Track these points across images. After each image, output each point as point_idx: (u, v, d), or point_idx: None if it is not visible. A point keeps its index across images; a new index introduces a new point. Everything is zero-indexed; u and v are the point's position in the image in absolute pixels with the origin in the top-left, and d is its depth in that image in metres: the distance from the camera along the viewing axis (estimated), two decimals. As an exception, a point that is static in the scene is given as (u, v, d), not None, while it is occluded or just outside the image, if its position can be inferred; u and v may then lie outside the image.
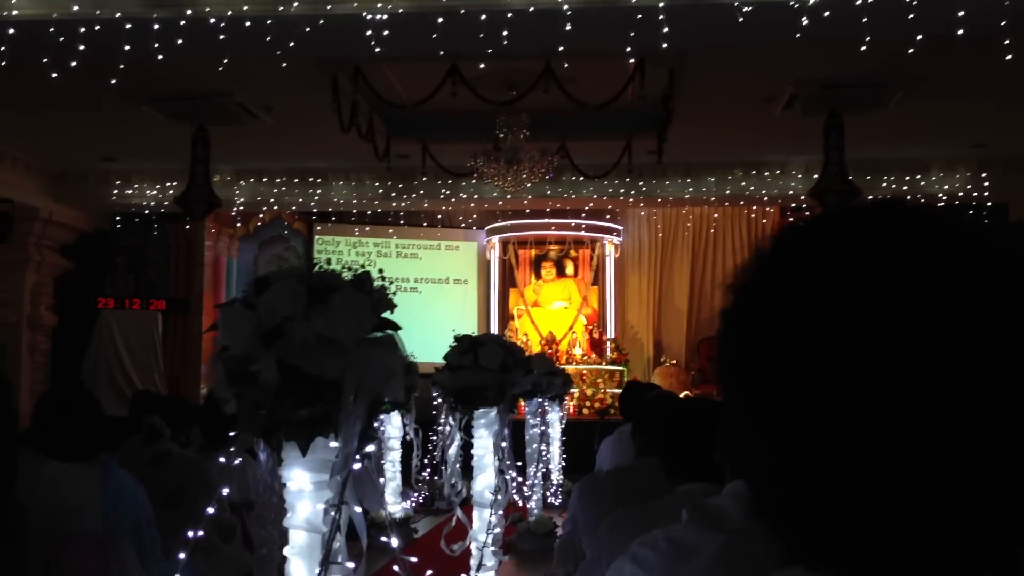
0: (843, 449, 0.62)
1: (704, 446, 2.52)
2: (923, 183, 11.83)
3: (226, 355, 1.84)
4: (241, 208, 13.18)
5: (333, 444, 1.81)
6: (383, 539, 2.27)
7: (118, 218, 13.48)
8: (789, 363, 0.64)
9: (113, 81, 7.77)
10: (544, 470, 7.72)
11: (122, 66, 7.21)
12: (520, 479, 6.22)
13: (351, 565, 1.77)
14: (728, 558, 1.41)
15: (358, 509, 1.80)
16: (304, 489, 1.86)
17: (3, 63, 6.98)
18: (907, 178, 11.80)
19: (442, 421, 9.11)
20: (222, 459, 4.14)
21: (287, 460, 1.87)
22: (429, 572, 2.39)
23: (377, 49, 6.96)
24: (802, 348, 0.63)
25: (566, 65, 7.72)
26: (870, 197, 11.42)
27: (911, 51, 7.07)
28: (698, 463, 2.48)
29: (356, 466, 1.84)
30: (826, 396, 0.62)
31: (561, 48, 7.13)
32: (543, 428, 7.49)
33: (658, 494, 2.58)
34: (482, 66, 7.86)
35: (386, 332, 1.90)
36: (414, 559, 2.16)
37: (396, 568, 2.26)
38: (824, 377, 0.62)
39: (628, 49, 7.25)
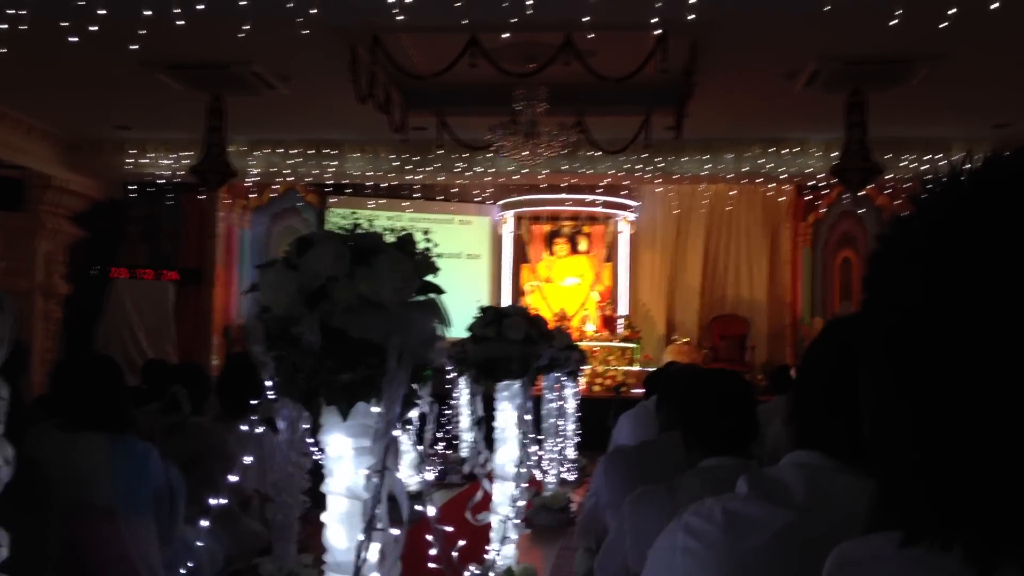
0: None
1: (719, 416, 2.45)
2: (943, 162, 11.72)
3: (267, 316, 1.79)
4: (255, 179, 13.12)
5: (375, 409, 1.77)
6: (418, 507, 2.24)
7: (132, 187, 13.44)
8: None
9: (133, 47, 7.70)
10: (561, 445, 7.70)
11: (142, 32, 7.14)
12: (540, 453, 6.20)
13: (396, 532, 1.73)
14: (796, 536, 1.36)
15: (400, 476, 1.76)
16: (344, 455, 1.81)
17: (22, 27, 6.92)
18: (927, 157, 11.69)
19: (455, 395, 9.13)
20: (244, 427, 4.12)
21: (326, 425, 1.83)
22: (462, 542, 2.35)
23: (399, 18, 6.87)
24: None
25: (591, 36, 7.61)
26: (887, 176, 11.34)
27: (944, 25, 6.95)
28: (715, 433, 2.42)
29: (396, 432, 1.80)
30: None
31: (586, 19, 7.02)
32: (560, 403, 7.46)
33: (683, 469, 2.53)
34: (506, 36, 7.75)
35: (428, 296, 1.85)
36: (450, 528, 2.12)
37: (429, 537, 2.22)
38: None
39: (654, 20, 7.13)
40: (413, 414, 1.78)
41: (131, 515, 3.07)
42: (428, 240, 1.83)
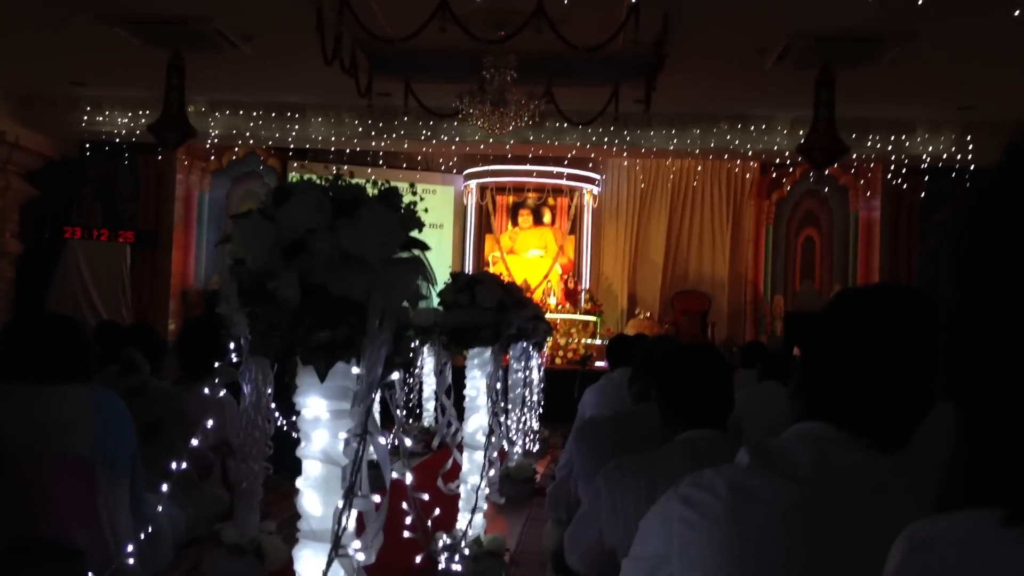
0: None
1: (702, 390, 2.41)
2: (908, 144, 11.78)
3: (240, 270, 1.68)
4: (215, 141, 12.84)
5: (355, 370, 1.68)
6: (395, 475, 2.16)
7: (87, 146, 13.08)
8: None
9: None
10: (526, 416, 7.65)
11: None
12: (507, 423, 6.14)
13: (377, 498, 1.65)
14: (803, 510, 1.31)
15: (382, 440, 1.67)
16: (321, 418, 1.72)
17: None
18: (892, 138, 11.74)
19: (418, 363, 9.03)
20: (206, 390, 4.01)
21: (302, 387, 1.73)
22: (437, 511, 2.28)
23: (369, -24, 6.70)
24: None
25: (566, 2, 7.48)
26: (854, 156, 11.38)
27: (919, 3, 6.92)
28: (697, 407, 2.38)
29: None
30: None
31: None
32: (526, 373, 7.40)
33: (659, 441, 2.48)
34: (477, 0, 7.60)
35: (413, 252, 1.76)
36: (425, 496, 2.04)
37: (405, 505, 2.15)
38: None
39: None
40: (395, 376, 1.69)
41: (109, 471, 2.96)
42: (414, 194, 1.73)
